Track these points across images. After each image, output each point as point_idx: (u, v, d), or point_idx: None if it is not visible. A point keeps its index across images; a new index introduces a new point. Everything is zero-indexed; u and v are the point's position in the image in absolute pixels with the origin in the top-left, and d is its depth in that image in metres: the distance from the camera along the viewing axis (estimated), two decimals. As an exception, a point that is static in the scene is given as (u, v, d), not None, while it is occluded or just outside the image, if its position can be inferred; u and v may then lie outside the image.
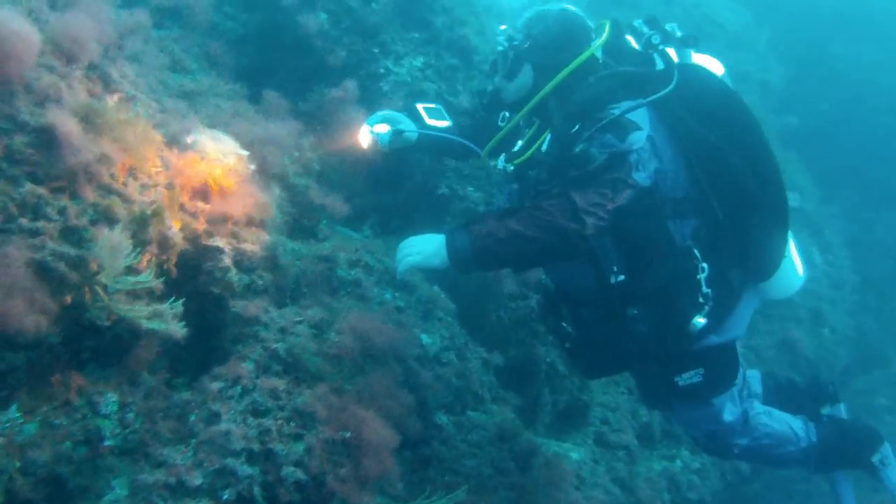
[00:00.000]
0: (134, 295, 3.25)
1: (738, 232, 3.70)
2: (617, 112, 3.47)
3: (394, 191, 5.36)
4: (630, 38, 3.85)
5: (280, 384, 3.60)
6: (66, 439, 3.15)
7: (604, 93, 3.56)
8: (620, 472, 5.77)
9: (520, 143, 3.98)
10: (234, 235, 3.92)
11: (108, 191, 3.37)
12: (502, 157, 3.95)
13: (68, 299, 3.09)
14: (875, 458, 4.35)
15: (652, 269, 3.66)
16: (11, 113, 3.13)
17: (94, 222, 3.25)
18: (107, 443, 3.24)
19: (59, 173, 3.18)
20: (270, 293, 4.05)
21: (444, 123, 4.51)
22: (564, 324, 4.05)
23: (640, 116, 3.53)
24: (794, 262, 4.05)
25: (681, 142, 3.65)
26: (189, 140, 4.01)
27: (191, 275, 3.82)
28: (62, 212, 3.15)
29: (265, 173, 4.55)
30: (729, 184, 3.64)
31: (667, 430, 6.45)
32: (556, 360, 5.60)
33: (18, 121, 3.13)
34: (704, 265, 3.65)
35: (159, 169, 3.72)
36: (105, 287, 3.14)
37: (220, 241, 3.86)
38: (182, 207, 3.74)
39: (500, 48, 3.86)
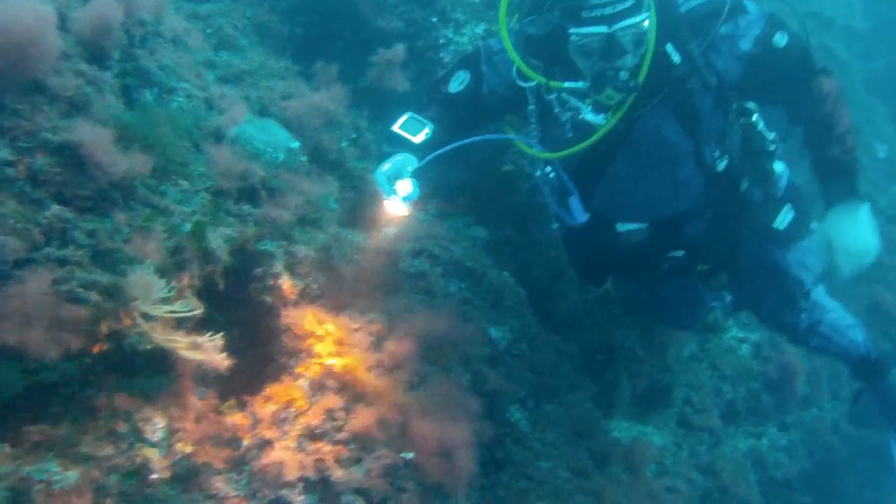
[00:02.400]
0: (174, 321, 2.93)
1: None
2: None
3: (458, 168, 4.95)
4: None
5: (336, 403, 3.31)
6: (113, 472, 2.87)
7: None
8: (704, 456, 5.40)
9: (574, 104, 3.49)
10: (286, 237, 3.58)
11: (144, 204, 3.05)
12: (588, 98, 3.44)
13: (104, 328, 2.79)
14: None
15: (731, 137, 3.65)
16: (33, 129, 2.81)
17: (128, 241, 2.93)
18: (155, 475, 2.95)
19: (88, 192, 2.87)
20: (327, 297, 3.73)
21: (425, 130, 3.77)
22: (672, 253, 3.97)
23: None
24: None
25: None
26: (233, 134, 3.66)
27: (240, 282, 3.51)
28: (92, 234, 2.84)
29: (321, 160, 4.20)
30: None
31: (753, 408, 6.04)
32: (634, 344, 5.21)
33: (41, 137, 2.81)
34: (758, 114, 3.65)
35: (202, 171, 3.39)
36: (142, 314, 2.83)
37: (270, 246, 3.52)
38: (228, 212, 3.41)
39: None
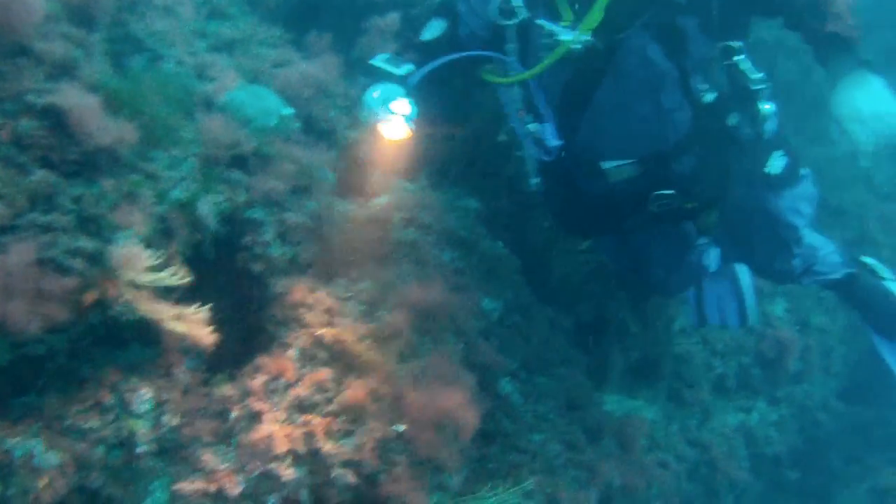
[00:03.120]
0: (160, 291, 2.85)
1: None
2: None
3: (450, 139, 4.86)
4: None
5: (327, 375, 3.23)
6: (99, 444, 2.79)
7: None
8: (694, 430, 5.36)
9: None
10: (277, 205, 3.50)
11: (132, 169, 2.96)
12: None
13: (89, 297, 2.71)
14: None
15: (719, 74, 3.57)
16: (19, 90, 2.72)
17: (115, 207, 2.84)
18: (142, 447, 2.87)
19: (74, 156, 2.77)
20: (317, 265, 3.65)
21: (407, 66, 3.82)
22: (661, 192, 3.78)
23: None
24: None
25: None
26: (224, 101, 3.57)
27: (230, 250, 3.43)
28: (78, 200, 2.76)
29: (313, 129, 4.11)
30: None
31: (744, 382, 6.00)
32: (626, 316, 5.15)
33: (26, 100, 2.71)
34: (744, 55, 3.54)
35: (192, 137, 3.30)
36: (128, 282, 2.75)
37: (260, 213, 3.44)
38: (218, 178, 3.33)
39: None
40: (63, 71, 2.88)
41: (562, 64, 3.49)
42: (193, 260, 3.21)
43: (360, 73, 4.52)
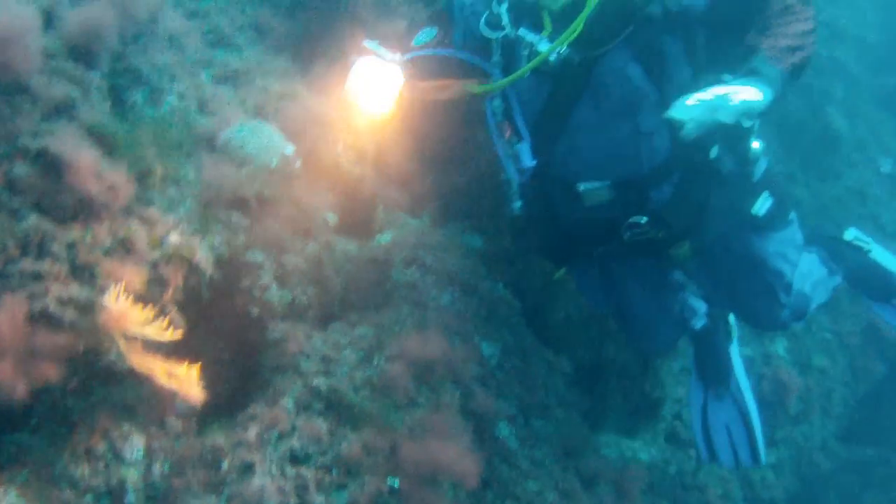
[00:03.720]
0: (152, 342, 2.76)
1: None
2: None
3: (455, 175, 4.77)
4: None
5: (322, 426, 3.15)
6: (88, 493, 2.71)
7: None
8: (690, 474, 5.26)
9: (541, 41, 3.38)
10: (276, 247, 3.41)
11: (127, 213, 2.87)
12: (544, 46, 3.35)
13: (80, 347, 2.62)
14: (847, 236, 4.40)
15: None
16: (13, 132, 2.63)
17: (110, 253, 2.76)
18: (131, 496, 2.79)
19: (69, 202, 2.69)
20: (315, 308, 3.57)
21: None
22: (635, 219, 3.64)
23: None
24: None
25: None
26: (225, 137, 3.48)
27: (227, 291, 3.34)
28: (71, 247, 2.67)
29: (316, 165, 4.01)
30: None
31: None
32: (627, 358, 5.05)
33: (21, 143, 2.63)
34: None
35: (191, 177, 3.21)
36: (120, 334, 2.66)
37: (259, 256, 3.35)
38: (217, 220, 3.24)
39: None
40: (60, 111, 2.80)
41: (542, 79, 3.44)
42: (190, 300, 3.13)
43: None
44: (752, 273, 3.91)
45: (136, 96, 3.38)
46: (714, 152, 3.48)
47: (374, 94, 3.68)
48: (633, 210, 3.64)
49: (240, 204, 3.34)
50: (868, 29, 7.86)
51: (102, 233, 2.75)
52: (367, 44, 3.79)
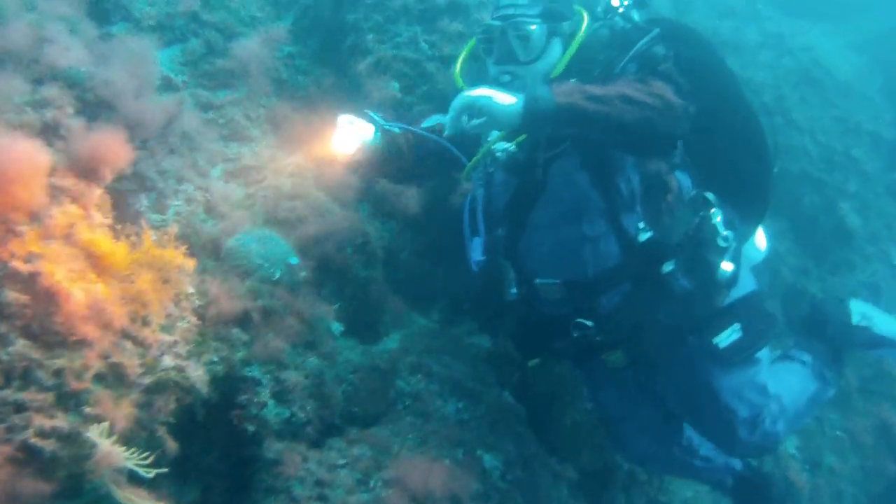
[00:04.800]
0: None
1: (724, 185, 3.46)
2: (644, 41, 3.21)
3: (464, 272, 4.60)
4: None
5: (312, 557, 2.92)
6: None
7: (620, 34, 3.31)
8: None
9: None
10: (276, 362, 3.25)
11: (121, 335, 2.71)
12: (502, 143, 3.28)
13: (58, 477, 2.45)
14: (854, 319, 4.15)
15: (673, 220, 3.34)
16: (3, 257, 2.48)
17: (99, 378, 2.60)
18: None
19: (58, 327, 2.53)
20: (314, 423, 3.39)
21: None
22: (580, 319, 3.54)
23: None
24: (757, 236, 3.82)
25: None
26: (230, 246, 3.34)
27: (223, 405, 3.17)
28: (59, 374, 2.51)
29: (325, 268, 3.86)
30: (727, 142, 3.42)
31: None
32: (635, 467, 4.83)
33: (11, 267, 2.48)
34: (718, 209, 3.35)
35: (191, 291, 3.06)
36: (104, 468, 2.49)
37: (257, 371, 3.19)
38: (216, 337, 3.08)
39: (525, 29, 3.27)
40: (55, 233, 2.64)
41: (510, 177, 3.49)
42: (183, 419, 2.96)
43: (379, 215, 4.34)
44: (707, 404, 3.69)
45: (142, 202, 3.25)
46: (667, 267, 3.32)
47: (346, 140, 3.55)
48: (582, 311, 3.56)
49: (241, 319, 3.18)
50: (883, 125, 7.67)
51: (93, 358, 2.59)
52: (368, 111, 3.72)
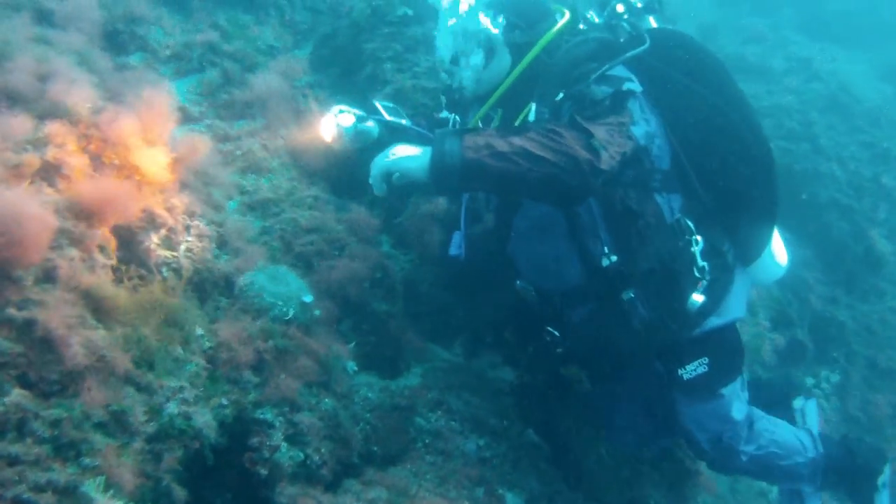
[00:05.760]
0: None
1: (724, 211, 3.34)
2: (601, 70, 3.06)
3: (486, 305, 4.42)
4: (591, 14, 3.49)
5: None
6: None
7: (583, 56, 3.13)
8: None
9: None
10: (289, 404, 3.06)
11: (124, 381, 2.54)
12: None
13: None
14: (878, 481, 3.79)
15: (644, 246, 3.22)
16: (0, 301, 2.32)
17: (101, 427, 2.42)
18: None
19: (56, 375, 2.36)
20: (329, 464, 3.19)
21: (403, 120, 3.89)
22: (550, 328, 3.55)
23: (626, 74, 3.16)
24: (775, 250, 3.65)
25: (664, 109, 3.27)
26: (243, 284, 3.17)
27: (235, 448, 2.98)
28: (56, 424, 2.33)
29: (342, 303, 3.69)
30: (716, 155, 3.27)
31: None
32: (660, 500, 4.59)
33: (6, 314, 2.32)
34: (698, 237, 3.22)
35: (201, 333, 2.89)
36: (102, 523, 2.31)
37: (269, 414, 3.00)
38: (226, 380, 2.90)
39: (469, 34, 3.30)
40: (54, 277, 2.48)
41: None
42: (191, 465, 2.78)
43: (401, 246, 4.18)
44: (671, 419, 3.64)
45: (151, 239, 3.08)
46: (627, 295, 3.24)
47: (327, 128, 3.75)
48: (551, 319, 3.57)
49: (252, 361, 3.00)
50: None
51: (93, 406, 2.41)
52: (376, 101, 3.86)
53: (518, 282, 3.64)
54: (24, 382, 2.34)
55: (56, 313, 2.35)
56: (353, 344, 3.54)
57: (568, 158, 2.82)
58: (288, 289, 3.25)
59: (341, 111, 3.72)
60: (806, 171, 6.49)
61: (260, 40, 4.72)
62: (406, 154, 2.96)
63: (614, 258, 3.22)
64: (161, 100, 3.12)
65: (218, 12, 4.72)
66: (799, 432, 3.88)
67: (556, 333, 3.55)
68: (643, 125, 3.16)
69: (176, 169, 3.26)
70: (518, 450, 3.95)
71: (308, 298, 3.27)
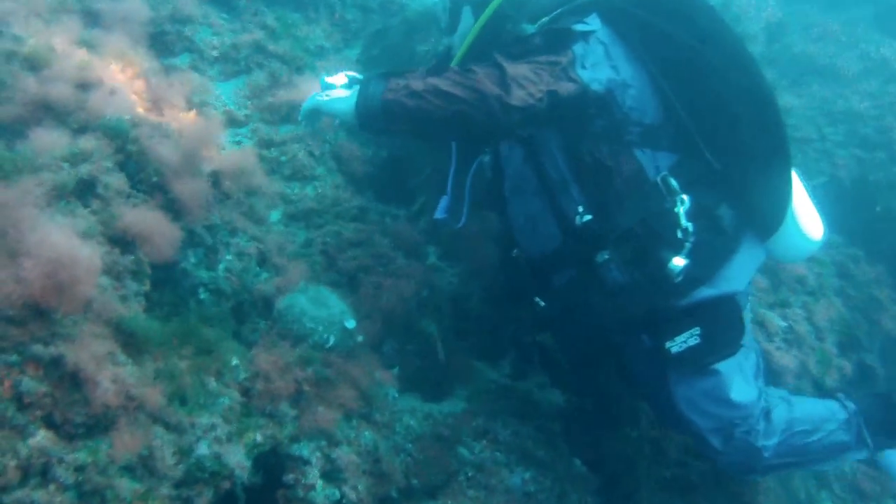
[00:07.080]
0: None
1: (733, 174, 3.09)
2: (554, 13, 3.06)
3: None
4: None
5: None
6: None
7: (548, 5, 3.12)
8: None
9: None
10: (327, 438, 2.94)
11: (153, 418, 2.43)
12: None
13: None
14: None
15: (621, 205, 3.06)
16: (23, 339, 2.22)
17: (128, 470, 2.32)
18: None
19: (82, 418, 2.26)
20: (366, 501, 3.06)
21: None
22: (537, 299, 3.40)
23: (592, 21, 3.04)
24: (803, 222, 3.26)
25: (647, 60, 3.07)
26: (282, 306, 3.05)
27: (269, 485, 2.87)
28: (81, 469, 2.23)
29: (386, 323, 3.56)
30: (709, 104, 3.03)
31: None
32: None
33: (31, 351, 2.22)
34: (684, 196, 3.02)
35: (236, 363, 2.77)
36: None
37: (305, 450, 2.88)
38: (261, 413, 2.79)
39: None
40: (84, 308, 2.38)
41: None
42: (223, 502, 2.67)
43: (449, 258, 4.03)
44: (669, 408, 3.38)
45: (189, 259, 2.97)
46: (601, 256, 3.08)
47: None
48: (539, 286, 3.43)
49: (290, 391, 2.88)
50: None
51: (120, 447, 2.31)
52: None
53: (515, 250, 3.53)
54: (49, 424, 2.25)
55: (85, 350, 2.24)
56: (396, 369, 3.40)
57: (476, 94, 2.78)
58: (329, 313, 3.12)
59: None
60: (880, 181, 6.15)
61: (309, 40, 4.59)
62: (337, 96, 3.04)
63: (588, 217, 3.09)
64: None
65: (266, 10, 4.60)
66: (823, 400, 3.62)
67: (542, 304, 3.40)
68: (606, 71, 3.00)
69: (218, 182, 3.14)
70: (564, 482, 3.80)
71: (350, 324, 3.15)
